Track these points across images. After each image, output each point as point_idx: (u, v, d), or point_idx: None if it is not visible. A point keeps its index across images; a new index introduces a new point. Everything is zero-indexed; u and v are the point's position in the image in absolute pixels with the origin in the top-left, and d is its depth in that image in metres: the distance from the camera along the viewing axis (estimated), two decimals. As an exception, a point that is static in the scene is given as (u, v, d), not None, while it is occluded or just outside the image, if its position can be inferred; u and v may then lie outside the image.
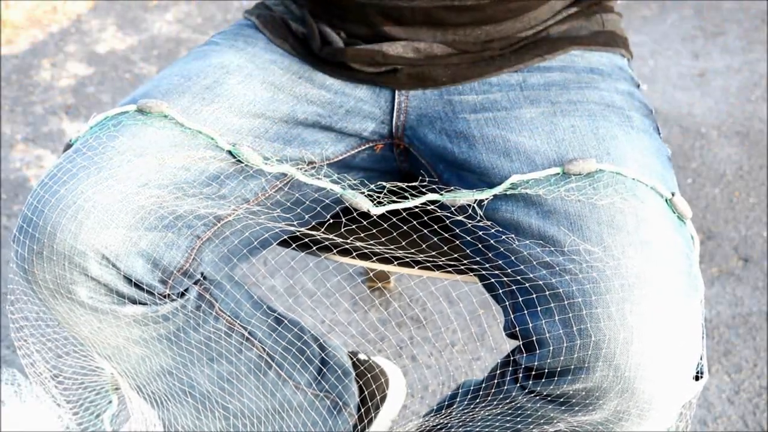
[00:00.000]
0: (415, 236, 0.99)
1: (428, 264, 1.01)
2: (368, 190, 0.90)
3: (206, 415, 1.01)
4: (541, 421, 0.89)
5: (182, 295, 0.92)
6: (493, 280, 0.89)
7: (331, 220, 1.01)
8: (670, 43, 2.43)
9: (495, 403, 0.91)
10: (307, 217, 0.99)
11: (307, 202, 0.97)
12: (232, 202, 0.92)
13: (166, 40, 2.47)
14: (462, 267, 0.97)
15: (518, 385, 0.88)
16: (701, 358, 0.86)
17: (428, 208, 0.91)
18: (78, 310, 0.88)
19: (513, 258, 0.85)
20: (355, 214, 0.98)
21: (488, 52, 0.99)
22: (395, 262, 1.03)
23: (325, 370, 1.12)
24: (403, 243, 1.00)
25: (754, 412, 1.49)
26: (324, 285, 1.63)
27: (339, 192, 0.89)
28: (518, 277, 0.85)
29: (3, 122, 2.17)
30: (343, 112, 1.02)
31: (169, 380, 0.98)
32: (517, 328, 0.85)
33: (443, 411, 1.04)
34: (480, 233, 0.91)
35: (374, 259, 1.04)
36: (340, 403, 1.12)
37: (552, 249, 0.83)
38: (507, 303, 0.87)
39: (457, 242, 0.97)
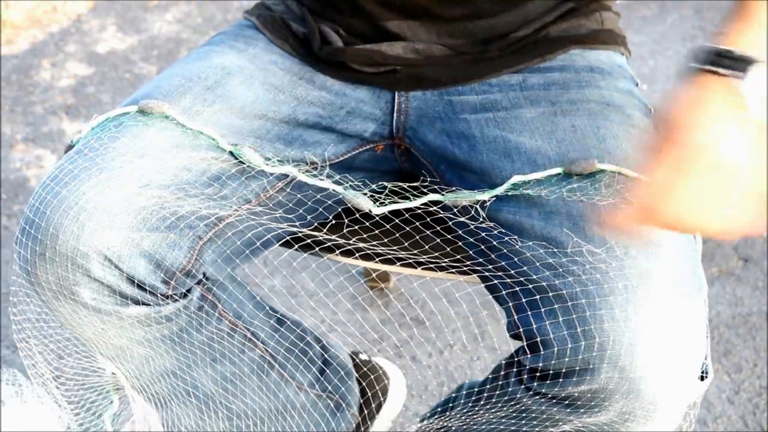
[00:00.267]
0: (417, 237, 0.99)
1: (430, 265, 1.01)
2: (370, 191, 0.90)
3: (209, 415, 1.01)
4: (547, 423, 0.88)
5: (185, 295, 0.92)
6: (496, 281, 0.89)
7: (333, 221, 1.01)
8: (670, 43, 2.43)
9: (499, 404, 0.91)
10: (309, 217, 0.99)
11: (309, 203, 0.97)
12: (234, 203, 0.92)
13: (166, 40, 2.47)
14: (464, 268, 0.97)
15: (523, 386, 0.88)
16: (705, 358, 0.86)
17: (430, 209, 0.91)
18: (81, 312, 0.88)
19: (516, 259, 0.85)
20: (357, 215, 0.98)
21: (488, 53, 0.99)
22: (398, 263, 1.03)
23: (327, 370, 1.12)
24: (406, 244, 1.00)
25: (754, 412, 1.49)
26: (325, 285, 1.63)
27: (341, 192, 0.89)
28: (521, 279, 0.84)
29: (3, 122, 2.17)
30: (344, 113, 1.02)
31: (172, 381, 0.98)
32: (521, 329, 0.85)
33: (444, 413, 1.03)
34: (482, 234, 0.91)
35: (376, 259, 1.04)
36: (342, 404, 1.12)
37: (555, 250, 0.83)
38: (510, 304, 0.87)
39: (460, 243, 0.97)
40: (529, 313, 0.84)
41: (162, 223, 0.87)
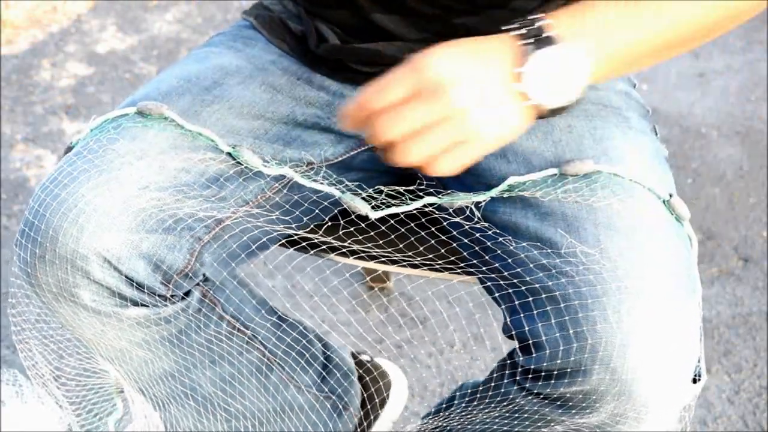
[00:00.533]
0: (412, 238, 0.99)
1: (427, 266, 1.02)
2: (366, 194, 0.90)
3: (208, 417, 1.01)
4: (539, 423, 0.89)
5: (184, 297, 0.92)
6: (490, 283, 0.89)
7: (330, 223, 1.02)
8: (670, 43, 2.43)
9: (494, 404, 0.91)
10: (305, 219, 0.99)
11: (306, 204, 0.97)
12: (232, 204, 0.92)
13: (166, 40, 2.47)
14: (458, 270, 0.97)
15: (517, 386, 0.88)
16: (699, 361, 0.86)
17: (426, 210, 0.91)
18: (81, 313, 0.88)
19: (510, 260, 0.85)
20: (353, 217, 0.98)
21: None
22: (394, 265, 1.03)
23: (328, 370, 1.12)
24: (401, 245, 1.00)
25: (754, 412, 1.49)
26: (323, 287, 1.63)
27: (338, 195, 0.89)
28: (515, 280, 0.85)
29: (3, 122, 2.17)
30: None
31: (171, 382, 0.98)
32: (514, 331, 0.85)
33: (442, 413, 1.04)
34: (477, 235, 0.91)
35: (374, 260, 1.05)
36: (342, 405, 1.12)
37: (549, 251, 0.83)
38: (503, 306, 0.88)
39: (455, 244, 0.97)
40: (522, 315, 0.84)
41: (161, 225, 0.87)
